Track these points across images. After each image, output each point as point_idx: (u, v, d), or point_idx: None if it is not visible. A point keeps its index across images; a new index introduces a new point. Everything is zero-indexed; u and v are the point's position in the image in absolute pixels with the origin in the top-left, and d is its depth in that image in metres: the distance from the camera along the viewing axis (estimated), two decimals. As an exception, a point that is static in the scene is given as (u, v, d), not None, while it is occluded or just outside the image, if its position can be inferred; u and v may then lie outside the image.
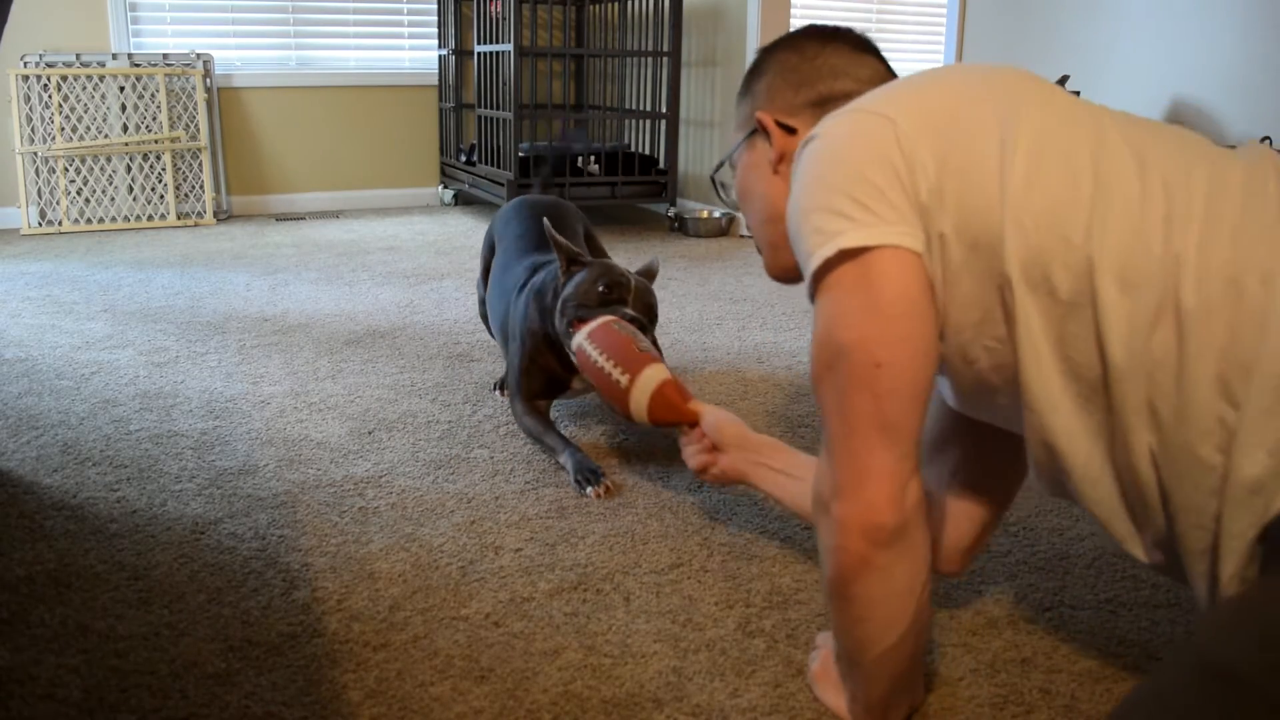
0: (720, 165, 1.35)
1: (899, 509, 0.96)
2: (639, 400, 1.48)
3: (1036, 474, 1.05)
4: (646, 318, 1.80)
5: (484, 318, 2.32)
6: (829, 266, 0.98)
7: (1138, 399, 0.91)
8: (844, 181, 0.98)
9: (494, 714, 1.12)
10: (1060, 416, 0.97)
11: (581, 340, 1.61)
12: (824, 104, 1.19)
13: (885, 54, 1.29)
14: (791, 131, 1.20)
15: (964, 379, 1.04)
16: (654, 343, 1.76)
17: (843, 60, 1.21)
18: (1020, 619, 1.33)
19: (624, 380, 1.48)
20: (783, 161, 1.20)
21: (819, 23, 1.28)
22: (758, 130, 1.23)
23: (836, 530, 0.98)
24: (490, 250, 2.29)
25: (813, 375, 1.01)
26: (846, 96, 1.17)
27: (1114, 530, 1.00)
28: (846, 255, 0.97)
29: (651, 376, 1.48)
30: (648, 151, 4.59)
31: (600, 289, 1.77)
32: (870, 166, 0.97)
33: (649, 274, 1.98)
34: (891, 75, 1.23)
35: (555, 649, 1.24)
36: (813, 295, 1.01)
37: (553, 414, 2.05)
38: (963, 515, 1.27)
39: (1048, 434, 0.98)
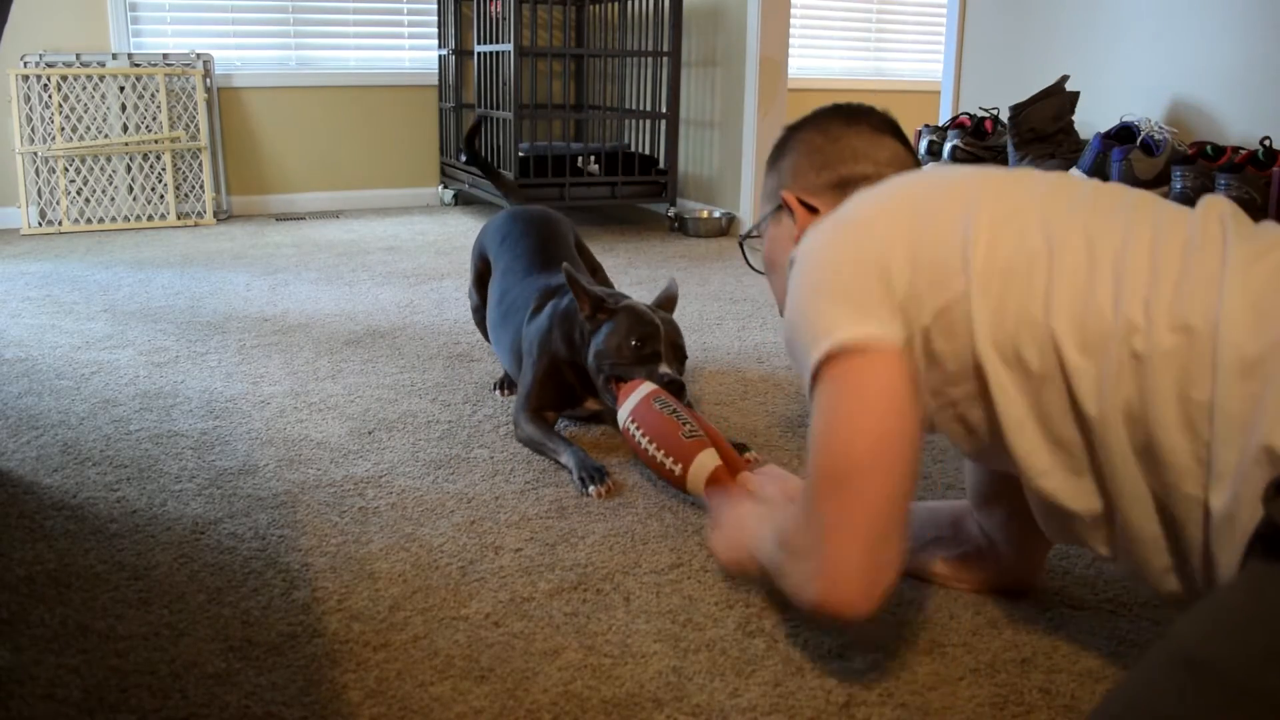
0: (749, 234, 1.42)
1: (873, 599, 1.03)
2: (694, 485, 1.56)
3: (1043, 523, 1.10)
4: (678, 360, 1.86)
5: (479, 324, 2.34)
6: (819, 367, 1.05)
7: (1123, 448, 0.96)
8: (826, 288, 1.06)
9: (494, 714, 1.12)
10: (1052, 480, 1.02)
11: (626, 422, 1.67)
12: (844, 185, 1.28)
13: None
14: (814, 210, 1.28)
15: (965, 442, 1.11)
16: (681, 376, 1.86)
17: (864, 143, 1.30)
18: (1020, 619, 1.33)
19: (677, 469, 1.56)
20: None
21: (846, 102, 1.36)
22: (783, 206, 1.31)
23: (810, 595, 1.06)
24: (482, 262, 2.31)
25: (810, 465, 1.07)
26: (865, 179, 1.26)
27: (1127, 565, 1.04)
28: (834, 357, 1.03)
29: (703, 464, 1.54)
30: (648, 151, 4.59)
31: (633, 343, 1.82)
32: (848, 272, 1.05)
33: (669, 301, 2.04)
34: (911, 154, 1.32)
35: (555, 649, 1.24)
36: (810, 393, 1.08)
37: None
38: (1033, 546, 1.35)
39: (1044, 495, 1.04)
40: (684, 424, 1.57)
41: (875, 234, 1.06)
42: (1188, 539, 0.95)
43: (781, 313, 1.35)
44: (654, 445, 1.59)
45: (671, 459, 1.56)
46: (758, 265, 1.41)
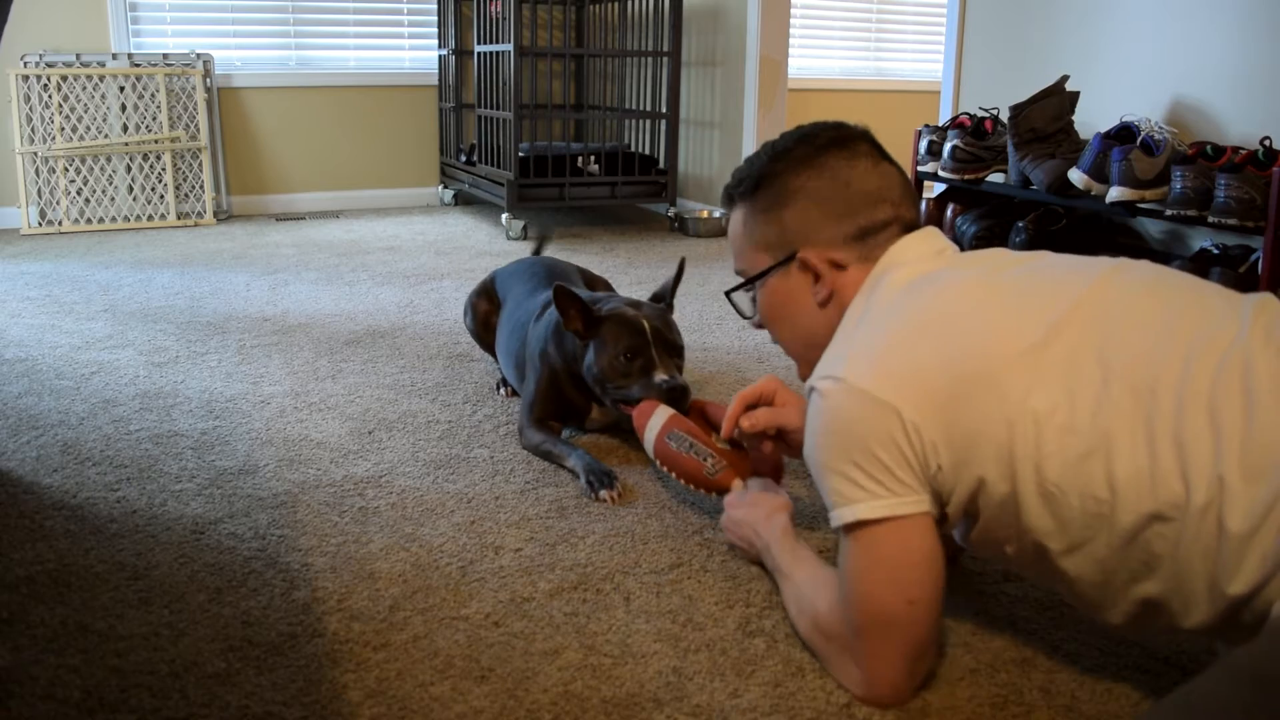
0: (741, 287, 1.33)
1: (912, 691, 1.14)
2: None
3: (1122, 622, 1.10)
4: (673, 356, 1.82)
5: (477, 339, 2.32)
6: (850, 529, 1.10)
7: (1201, 576, 0.96)
8: (854, 453, 1.07)
9: (494, 714, 1.12)
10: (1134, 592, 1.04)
11: (655, 462, 1.66)
12: (865, 235, 1.23)
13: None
14: (841, 267, 1.24)
15: (996, 556, 1.15)
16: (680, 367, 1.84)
17: (873, 182, 1.24)
18: (1020, 619, 1.33)
19: (713, 496, 1.60)
20: (833, 299, 1.24)
21: (824, 122, 1.29)
22: (794, 260, 1.26)
23: (855, 692, 1.15)
24: (486, 300, 2.27)
25: (848, 603, 1.12)
26: (886, 225, 1.23)
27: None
28: (866, 523, 1.08)
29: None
30: (648, 151, 4.59)
31: (623, 358, 1.79)
32: (877, 446, 1.06)
33: (680, 274, 1.97)
34: (904, 177, 1.28)
35: (555, 649, 1.24)
36: (838, 530, 1.12)
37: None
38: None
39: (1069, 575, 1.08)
40: (704, 460, 1.56)
41: (906, 416, 1.05)
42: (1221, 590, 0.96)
43: (780, 341, 1.33)
44: (688, 485, 1.59)
45: (704, 491, 1.58)
46: (747, 311, 1.34)
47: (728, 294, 1.35)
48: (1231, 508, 0.92)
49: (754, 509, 1.42)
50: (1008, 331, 1.06)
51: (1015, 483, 1.03)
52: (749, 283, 1.32)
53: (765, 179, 1.28)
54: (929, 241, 1.23)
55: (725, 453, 1.56)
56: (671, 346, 1.83)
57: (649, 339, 1.80)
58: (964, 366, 1.06)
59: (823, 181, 1.24)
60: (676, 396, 1.73)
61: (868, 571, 1.10)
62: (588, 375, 1.85)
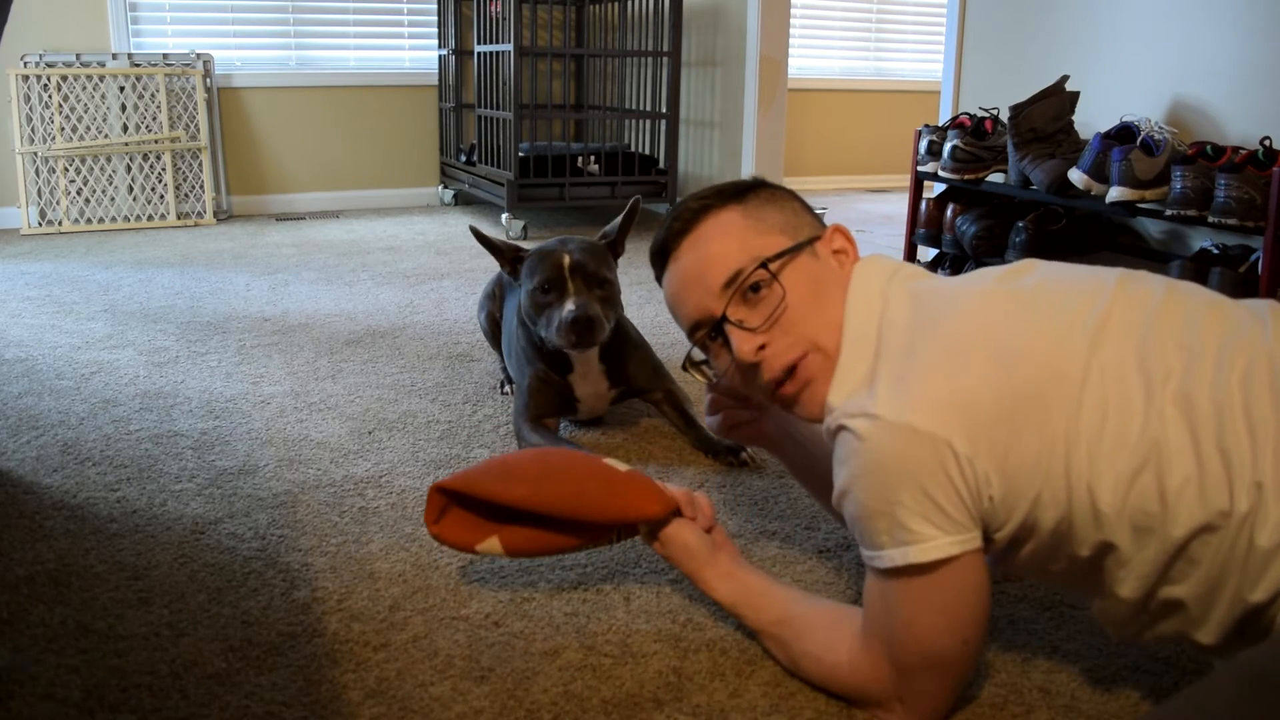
0: (781, 256, 1.18)
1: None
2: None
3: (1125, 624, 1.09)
4: (592, 287, 1.79)
5: (490, 339, 2.32)
6: (897, 573, 1.04)
7: (1231, 582, 0.95)
8: (902, 492, 1.01)
9: (494, 714, 1.12)
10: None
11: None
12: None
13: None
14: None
15: (1036, 573, 1.12)
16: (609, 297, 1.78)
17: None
18: (1020, 619, 1.33)
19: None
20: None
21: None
22: (815, 242, 1.20)
23: None
24: (494, 301, 2.27)
25: (896, 645, 1.08)
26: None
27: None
28: (915, 567, 1.03)
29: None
30: (648, 151, 4.59)
31: (540, 292, 1.79)
32: (929, 483, 1.01)
33: (631, 215, 1.92)
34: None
35: (555, 649, 1.24)
36: (879, 569, 1.07)
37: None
38: None
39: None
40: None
41: (957, 447, 0.99)
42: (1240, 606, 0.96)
43: (789, 324, 1.16)
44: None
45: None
46: (753, 324, 1.16)
47: (737, 280, 1.17)
48: (1263, 521, 0.91)
49: (690, 562, 1.28)
50: (1047, 346, 1.03)
51: (1070, 505, 1.00)
52: (789, 252, 1.17)
53: (742, 190, 1.24)
54: (887, 258, 1.23)
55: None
56: (593, 278, 1.81)
57: (565, 272, 1.79)
58: (1010, 386, 1.01)
59: (783, 195, 1.26)
60: (581, 328, 1.74)
61: (920, 615, 1.05)
62: (526, 321, 1.85)
